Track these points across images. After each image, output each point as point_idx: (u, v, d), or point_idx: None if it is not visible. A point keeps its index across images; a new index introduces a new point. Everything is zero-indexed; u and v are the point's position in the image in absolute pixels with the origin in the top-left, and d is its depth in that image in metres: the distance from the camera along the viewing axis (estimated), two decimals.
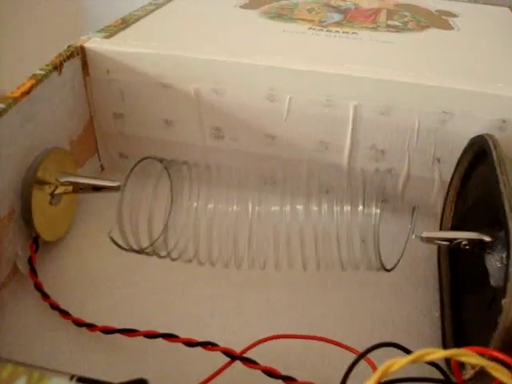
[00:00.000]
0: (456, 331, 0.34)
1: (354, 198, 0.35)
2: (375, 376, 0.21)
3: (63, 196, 0.39)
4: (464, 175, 0.39)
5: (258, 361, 0.29)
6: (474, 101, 0.37)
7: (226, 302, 0.36)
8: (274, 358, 0.29)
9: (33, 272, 0.36)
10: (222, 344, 0.30)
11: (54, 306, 0.34)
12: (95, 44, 0.41)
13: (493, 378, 0.24)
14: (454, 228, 0.39)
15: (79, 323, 0.33)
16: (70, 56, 0.40)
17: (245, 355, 0.29)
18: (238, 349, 0.30)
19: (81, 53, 0.41)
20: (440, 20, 0.53)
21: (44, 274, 0.37)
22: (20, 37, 0.73)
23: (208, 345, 0.30)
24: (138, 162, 0.35)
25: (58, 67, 0.38)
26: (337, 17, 0.52)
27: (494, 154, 0.33)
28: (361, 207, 0.34)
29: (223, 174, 0.38)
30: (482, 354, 0.24)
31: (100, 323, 0.33)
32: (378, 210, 0.34)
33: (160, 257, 0.35)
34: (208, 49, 0.41)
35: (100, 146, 0.47)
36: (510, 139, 0.37)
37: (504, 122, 0.37)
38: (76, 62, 0.41)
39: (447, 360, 0.31)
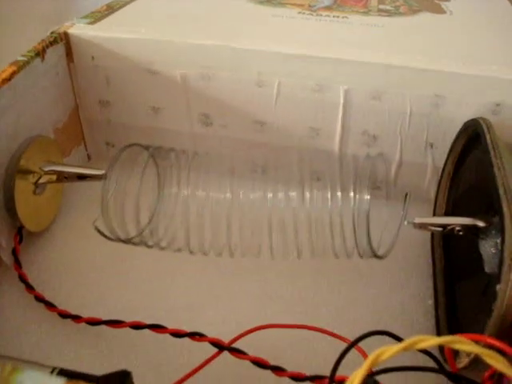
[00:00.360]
0: (450, 319, 0.33)
1: (345, 184, 0.34)
2: (366, 364, 0.20)
3: (48, 185, 0.38)
4: (457, 160, 0.38)
5: (247, 351, 0.28)
6: (466, 84, 0.37)
7: (215, 292, 0.36)
8: (264, 348, 0.29)
9: (17, 263, 0.35)
10: (211, 334, 0.29)
11: (39, 298, 0.34)
12: (79, 30, 0.41)
13: (488, 366, 0.23)
14: (447, 214, 0.39)
15: (64, 315, 0.32)
16: (54, 42, 0.39)
17: (234, 345, 0.29)
18: (227, 339, 0.29)
19: (64, 39, 0.40)
20: (432, 4, 0.52)
21: (28, 265, 0.37)
22: (2, 26, 0.72)
23: (196, 335, 0.29)
24: (123, 149, 0.34)
25: (40, 53, 0.37)
26: (327, 1, 0.51)
27: (487, 137, 0.32)
28: (352, 194, 0.34)
29: (212, 160, 0.37)
30: (476, 342, 0.23)
31: (86, 315, 0.32)
32: (369, 196, 0.33)
33: (148, 246, 0.35)
34: (195, 34, 0.40)
35: (86, 135, 0.46)
36: (503, 123, 0.37)
37: (498, 105, 0.37)
38: (60, 48, 0.40)
39: (441, 348, 0.31)
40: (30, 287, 0.34)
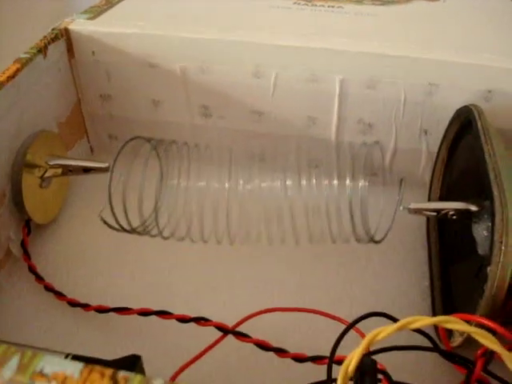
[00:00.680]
0: (445, 300, 0.34)
1: (342, 171, 0.35)
2: (363, 343, 0.21)
3: (53, 179, 0.39)
4: (451, 146, 0.39)
5: (250, 335, 0.30)
6: (459, 72, 0.38)
7: (218, 279, 0.37)
8: (266, 331, 0.30)
9: (26, 255, 0.36)
10: (214, 320, 0.30)
11: (49, 288, 0.35)
12: (79, 26, 0.41)
13: (480, 345, 0.24)
14: (442, 198, 0.40)
15: (74, 303, 0.34)
16: (55, 39, 0.40)
17: (237, 329, 0.30)
18: (230, 324, 0.30)
19: (65, 35, 0.41)
20: None
21: (37, 256, 0.38)
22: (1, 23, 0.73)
23: (201, 320, 0.30)
24: (127, 142, 0.35)
25: (42, 50, 0.38)
26: None
27: (478, 124, 0.33)
28: (348, 180, 0.34)
29: (213, 152, 0.38)
30: (468, 321, 0.24)
31: (94, 303, 0.33)
32: (366, 183, 0.34)
33: (151, 236, 0.36)
34: (194, 27, 0.41)
35: (89, 128, 0.47)
36: (495, 109, 0.37)
37: (489, 92, 0.37)
38: (61, 44, 0.41)
39: (436, 329, 0.32)
40: (39, 277, 0.35)
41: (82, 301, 0.33)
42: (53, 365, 0.18)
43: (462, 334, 0.28)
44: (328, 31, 0.41)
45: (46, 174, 0.37)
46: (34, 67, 0.37)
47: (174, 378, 0.27)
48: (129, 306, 0.32)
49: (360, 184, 0.34)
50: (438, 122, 0.40)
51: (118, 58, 0.42)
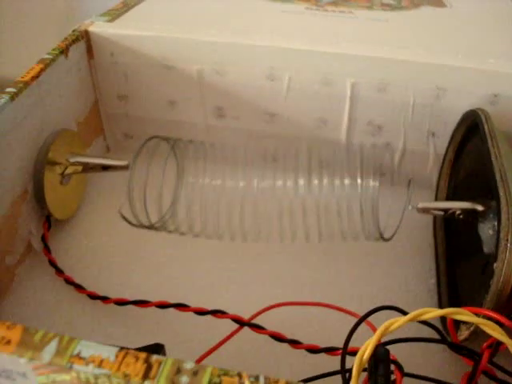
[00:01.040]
0: (451, 296, 0.35)
1: (352, 172, 0.36)
2: (377, 333, 0.23)
3: (73, 176, 0.40)
4: (458, 148, 0.40)
5: (264, 327, 0.31)
6: (466, 76, 0.39)
7: (233, 274, 0.38)
8: (280, 324, 0.31)
9: (46, 249, 0.38)
10: (230, 312, 0.31)
11: (69, 281, 0.36)
12: (99, 28, 0.43)
13: (486, 338, 0.25)
14: (449, 199, 0.41)
15: (94, 296, 0.35)
16: (76, 40, 0.41)
17: (252, 322, 0.31)
18: (245, 316, 0.31)
19: (85, 37, 0.42)
20: None
21: (57, 250, 0.39)
22: (19, 23, 0.74)
23: (218, 313, 0.31)
24: (146, 141, 0.36)
25: (64, 51, 0.39)
26: None
27: (485, 127, 0.34)
28: (359, 180, 0.35)
29: (227, 151, 0.39)
30: (475, 314, 0.25)
31: (112, 296, 0.34)
32: (377, 183, 0.35)
33: (168, 231, 0.37)
34: (209, 31, 0.42)
35: (105, 127, 0.48)
36: (501, 113, 0.39)
37: (495, 96, 0.39)
38: (81, 45, 0.42)
39: (444, 323, 0.33)
40: (59, 271, 0.36)
41: (102, 294, 0.35)
42: (89, 348, 0.20)
43: (468, 327, 0.29)
44: (340, 36, 0.42)
45: (67, 171, 0.39)
46: (56, 67, 0.38)
47: None
48: (147, 299, 0.33)
49: (371, 183, 0.35)
50: (445, 125, 0.41)
51: (135, 60, 0.43)
